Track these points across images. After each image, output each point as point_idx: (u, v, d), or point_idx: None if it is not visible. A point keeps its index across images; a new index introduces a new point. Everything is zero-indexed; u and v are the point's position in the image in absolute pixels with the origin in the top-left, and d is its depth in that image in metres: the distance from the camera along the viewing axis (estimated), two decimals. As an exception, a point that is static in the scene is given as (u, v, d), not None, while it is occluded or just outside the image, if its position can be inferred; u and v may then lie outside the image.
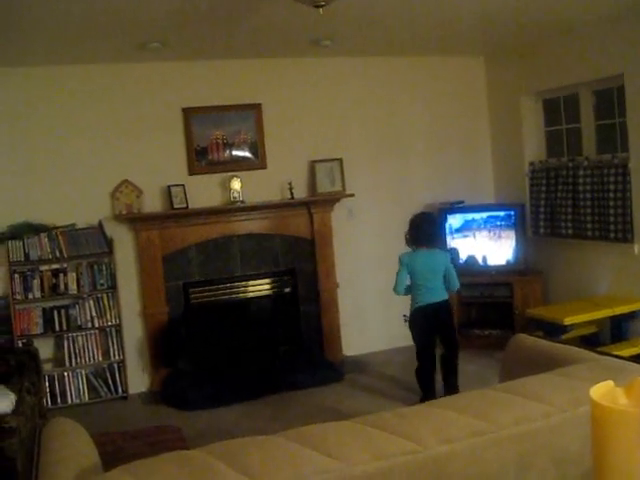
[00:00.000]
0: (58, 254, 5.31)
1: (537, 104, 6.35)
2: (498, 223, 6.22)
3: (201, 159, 5.85)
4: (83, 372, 5.44)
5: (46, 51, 4.96)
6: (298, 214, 6.03)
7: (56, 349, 5.45)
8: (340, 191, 6.12)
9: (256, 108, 5.95)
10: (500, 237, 6.21)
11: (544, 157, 6.29)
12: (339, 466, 1.77)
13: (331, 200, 6.10)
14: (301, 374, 5.50)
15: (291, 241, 6.04)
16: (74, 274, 5.40)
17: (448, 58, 6.47)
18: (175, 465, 1.79)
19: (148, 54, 5.25)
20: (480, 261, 6.22)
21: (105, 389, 5.49)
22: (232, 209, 5.80)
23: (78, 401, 5.40)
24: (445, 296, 4.71)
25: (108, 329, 5.51)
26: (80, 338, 5.43)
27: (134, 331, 5.68)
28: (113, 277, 5.48)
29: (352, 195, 6.07)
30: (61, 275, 5.36)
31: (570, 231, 5.85)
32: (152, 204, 5.71)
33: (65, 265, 5.39)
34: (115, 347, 5.52)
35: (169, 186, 5.68)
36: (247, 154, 5.98)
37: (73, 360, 5.40)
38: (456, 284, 4.75)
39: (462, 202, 6.41)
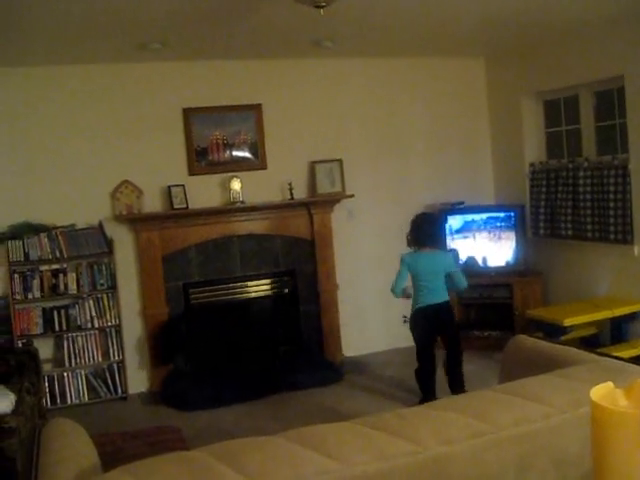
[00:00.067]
0: (58, 254, 5.32)
1: (537, 105, 6.35)
2: (498, 224, 6.22)
3: (201, 159, 5.85)
4: (83, 372, 5.45)
5: (46, 51, 4.96)
6: (298, 215, 6.03)
7: (56, 349, 5.45)
8: (340, 192, 6.12)
9: (256, 109, 5.95)
10: (500, 238, 6.21)
11: (544, 158, 6.29)
12: (339, 467, 1.77)
13: (331, 201, 6.10)
14: (301, 374, 5.50)
15: (291, 242, 6.05)
16: (74, 274, 5.40)
17: (448, 59, 6.48)
18: (175, 465, 1.79)
19: (148, 54, 5.25)
20: (480, 262, 6.22)
21: (105, 389, 5.49)
22: (232, 209, 5.80)
23: (78, 401, 5.40)
24: (446, 297, 4.71)
25: (108, 329, 5.51)
26: (80, 338, 5.43)
27: (134, 331, 5.68)
28: (113, 277, 5.48)
29: (352, 196, 6.07)
30: (61, 275, 5.36)
31: (570, 232, 5.85)
32: (152, 204, 5.71)
33: (65, 265, 5.39)
34: (115, 347, 5.52)
35: (169, 186, 5.68)
36: (247, 154, 5.98)
37: (73, 360, 5.40)
38: (464, 283, 4.75)
39: (462, 203, 6.41)
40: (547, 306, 5.94)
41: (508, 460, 1.94)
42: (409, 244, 4.84)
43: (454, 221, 6.29)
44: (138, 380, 5.66)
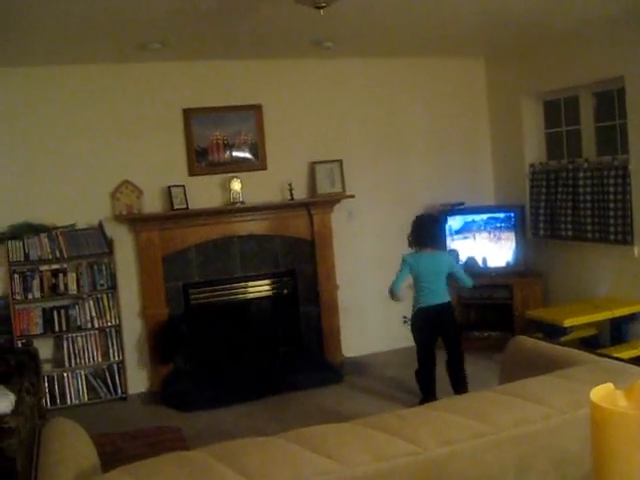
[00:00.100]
0: (58, 254, 5.31)
1: (537, 106, 6.35)
2: (498, 225, 6.22)
3: (201, 160, 5.85)
4: (82, 372, 5.44)
5: (46, 51, 4.96)
6: (298, 215, 6.03)
7: (56, 349, 5.45)
8: (340, 192, 6.12)
9: (256, 109, 5.95)
10: (500, 239, 6.21)
11: (544, 159, 6.30)
12: (339, 468, 1.77)
13: (331, 201, 6.10)
14: (301, 375, 5.50)
15: (291, 242, 6.05)
16: (74, 274, 5.40)
17: (448, 59, 6.48)
18: (175, 466, 1.79)
19: (148, 54, 5.25)
20: (480, 263, 6.22)
21: (104, 390, 5.49)
22: (232, 210, 5.80)
23: (77, 402, 5.39)
24: (447, 298, 4.70)
25: (108, 329, 5.51)
26: (80, 338, 5.43)
27: (134, 332, 5.68)
28: (113, 277, 5.48)
29: (352, 196, 6.07)
30: (61, 275, 5.36)
31: (570, 233, 5.85)
32: (152, 205, 5.71)
33: (65, 265, 5.39)
34: (115, 348, 5.52)
35: (169, 187, 5.68)
36: (247, 155, 5.98)
37: (73, 360, 5.40)
38: (468, 281, 4.76)
39: (462, 203, 6.41)
40: (547, 307, 5.94)
41: (508, 461, 1.94)
42: (410, 245, 4.84)
43: (454, 222, 6.29)
44: (138, 380, 5.66)
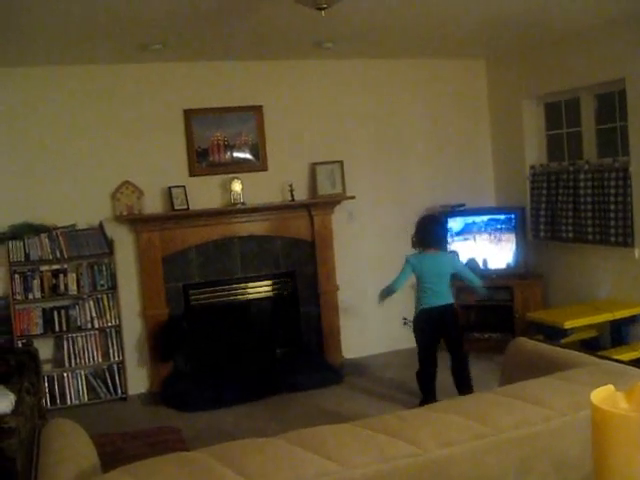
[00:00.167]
0: (58, 254, 5.32)
1: (538, 107, 6.35)
2: (498, 226, 6.22)
3: (202, 160, 5.85)
4: (83, 373, 5.44)
5: (46, 51, 4.96)
6: (299, 216, 6.03)
7: (56, 350, 5.45)
8: (341, 193, 6.12)
9: (257, 110, 5.96)
10: (500, 240, 6.21)
11: (545, 161, 6.30)
12: (339, 468, 1.77)
13: (332, 202, 6.10)
14: (301, 376, 5.50)
15: (291, 243, 6.05)
16: (74, 275, 5.40)
17: (449, 60, 6.48)
18: (175, 466, 1.78)
19: (149, 55, 5.25)
20: (480, 264, 6.22)
21: (104, 390, 5.49)
22: (233, 211, 5.80)
23: (77, 402, 5.39)
24: (450, 300, 4.69)
25: (108, 330, 5.51)
26: (80, 339, 5.43)
27: (134, 332, 5.68)
28: (113, 278, 5.48)
29: (353, 197, 6.06)
30: (61, 275, 5.36)
31: (571, 235, 5.84)
32: (153, 205, 5.71)
33: (65, 266, 5.39)
34: (115, 348, 5.52)
35: (170, 187, 5.69)
36: (248, 156, 5.98)
37: (73, 361, 5.40)
38: (477, 281, 4.75)
39: (463, 205, 6.41)
40: (547, 309, 5.94)
41: (508, 463, 1.94)
42: (414, 245, 4.84)
43: (454, 223, 6.29)
44: (138, 381, 5.66)
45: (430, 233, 4.74)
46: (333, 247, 6.11)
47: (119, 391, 5.52)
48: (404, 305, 6.20)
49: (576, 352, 2.77)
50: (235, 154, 5.94)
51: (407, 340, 6.02)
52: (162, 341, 5.59)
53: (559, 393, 2.16)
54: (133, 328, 5.67)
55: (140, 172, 5.63)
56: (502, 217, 6.23)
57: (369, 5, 4.32)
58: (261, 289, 6.08)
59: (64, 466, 1.88)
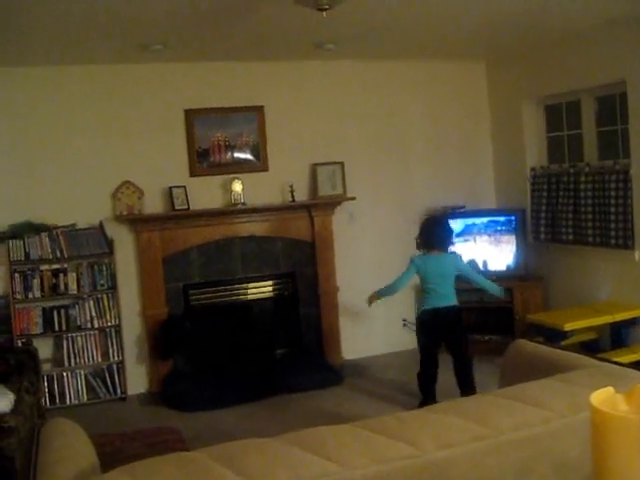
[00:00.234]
0: (58, 254, 5.32)
1: (539, 110, 6.35)
2: (499, 228, 6.22)
3: (203, 161, 5.85)
4: (82, 372, 5.44)
5: (46, 51, 4.96)
6: (299, 217, 6.03)
7: (55, 349, 5.45)
8: (341, 194, 6.13)
9: (258, 110, 5.96)
10: (501, 242, 6.21)
11: (545, 163, 6.29)
12: (338, 469, 1.77)
13: (332, 203, 6.10)
14: (301, 377, 5.50)
15: (292, 244, 6.05)
16: (74, 274, 5.40)
17: (450, 62, 6.48)
18: (174, 467, 1.78)
19: (150, 55, 5.25)
20: (480, 266, 6.22)
21: (104, 390, 5.49)
22: (233, 211, 5.80)
23: (77, 402, 5.39)
24: (454, 301, 4.67)
25: (108, 330, 5.51)
26: (79, 338, 5.43)
27: (134, 332, 5.68)
28: (113, 278, 5.48)
29: (353, 199, 6.07)
30: (61, 275, 5.36)
31: (571, 237, 5.84)
32: (153, 205, 5.71)
33: (65, 265, 5.39)
34: (114, 348, 5.52)
35: (170, 187, 5.69)
36: (249, 156, 5.98)
37: (72, 360, 5.40)
38: (484, 281, 4.75)
39: (463, 207, 6.41)
40: (547, 311, 5.94)
41: (508, 464, 1.94)
42: (418, 247, 4.83)
43: (455, 224, 6.26)
44: (137, 381, 5.65)
45: (434, 234, 4.73)
46: (333, 248, 6.11)
47: (118, 391, 5.52)
48: (404, 306, 6.22)
49: (576, 354, 2.77)
50: (236, 154, 5.94)
51: (407, 341, 6.02)
52: (162, 339, 5.59)
53: (559, 395, 2.15)
54: (133, 328, 5.67)
55: (141, 172, 5.63)
56: (502, 219, 6.22)
57: (369, 7, 4.32)
58: (261, 290, 6.07)
59: (63, 465, 1.88)
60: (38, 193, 5.41)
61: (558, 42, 5.70)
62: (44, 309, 5.35)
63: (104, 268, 5.47)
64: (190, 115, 5.77)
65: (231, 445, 1.92)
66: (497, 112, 6.69)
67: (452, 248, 6.13)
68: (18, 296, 5.24)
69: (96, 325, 5.45)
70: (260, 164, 6.00)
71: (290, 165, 6.05)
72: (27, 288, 5.27)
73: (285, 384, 5.41)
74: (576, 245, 5.82)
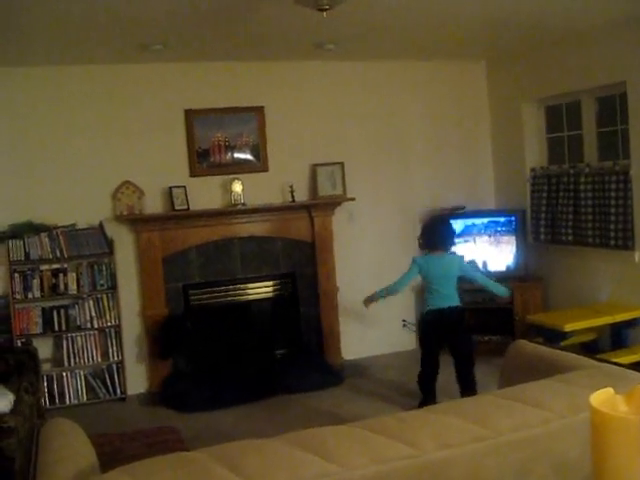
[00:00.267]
0: (58, 254, 5.32)
1: (539, 110, 6.35)
2: (499, 229, 6.22)
3: (202, 161, 5.85)
4: (82, 372, 5.44)
5: (46, 51, 4.96)
6: (299, 217, 6.03)
7: (55, 349, 5.45)
8: (341, 195, 6.12)
9: (258, 111, 5.96)
10: (500, 243, 6.21)
11: (545, 163, 6.29)
12: (338, 470, 1.76)
13: (332, 204, 6.10)
14: (300, 377, 5.50)
15: (292, 244, 6.04)
16: (74, 274, 5.40)
17: (450, 63, 6.48)
18: (173, 467, 1.78)
19: (150, 55, 5.25)
20: (480, 266, 6.21)
21: (103, 390, 5.49)
22: (233, 211, 5.80)
23: (76, 402, 5.39)
24: (457, 302, 4.66)
25: (107, 330, 5.51)
26: (79, 338, 5.43)
27: (133, 332, 5.68)
28: (113, 278, 5.48)
29: (353, 199, 6.06)
30: (61, 275, 5.36)
31: (571, 238, 5.84)
32: (153, 205, 5.71)
33: (65, 265, 5.39)
34: (114, 348, 5.52)
35: (170, 187, 5.69)
36: (249, 157, 5.98)
37: (72, 360, 5.40)
38: (488, 281, 4.74)
39: (463, 207, 6.41)
40: (547, 311, 5.94)
41: (508, 465, 1.94)
42: (421, 247, 4.82)
43: (455, 225, 6.27)
44: (137, 381, 5.65)
45: (436, 234, 4.72)
46: (333, 248, 6.11)
47: (118, 391, 5.52)
48: (404, 307, 6.22)
49: (576, 355, 2.77)
50: (236, 155, 5.94)
51: (407, 342, 6.03)
52: (162, 339, 5.58)
53: (559, 395, 2.15)
54: (133, 328, 5.67)
55: (141, 172, 5.63)
56: (502, 219, 6.22)
57: (370, 7, 4.32)
58: (261, 290, 6.07)
59: (63, 465, 1.88)
60: (38, 193, 5.41)
61: (558, 42, 5.70)
62: (44, 309, 5.35)
63: (104, 268, 5.47)
64: (190, 115, 5.77)
65: (231, 445, 1.92)
66: (497, 112, 6.69)
67: (453, 249, 6.17)
68: (18, 296, 5.24)
69: (96, 325, 5.45)
70: (260, 164, 6.00)
71: (290, 165, 6.05)
72: (27, 288, 5.27)
73: (285, 384, 5.41)
74: (576, 246, 5.82)
